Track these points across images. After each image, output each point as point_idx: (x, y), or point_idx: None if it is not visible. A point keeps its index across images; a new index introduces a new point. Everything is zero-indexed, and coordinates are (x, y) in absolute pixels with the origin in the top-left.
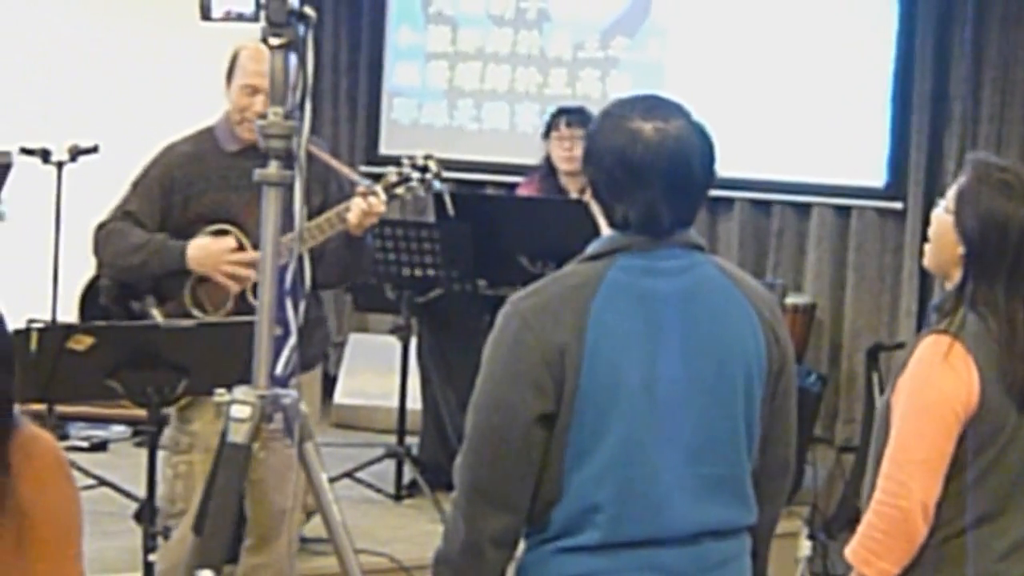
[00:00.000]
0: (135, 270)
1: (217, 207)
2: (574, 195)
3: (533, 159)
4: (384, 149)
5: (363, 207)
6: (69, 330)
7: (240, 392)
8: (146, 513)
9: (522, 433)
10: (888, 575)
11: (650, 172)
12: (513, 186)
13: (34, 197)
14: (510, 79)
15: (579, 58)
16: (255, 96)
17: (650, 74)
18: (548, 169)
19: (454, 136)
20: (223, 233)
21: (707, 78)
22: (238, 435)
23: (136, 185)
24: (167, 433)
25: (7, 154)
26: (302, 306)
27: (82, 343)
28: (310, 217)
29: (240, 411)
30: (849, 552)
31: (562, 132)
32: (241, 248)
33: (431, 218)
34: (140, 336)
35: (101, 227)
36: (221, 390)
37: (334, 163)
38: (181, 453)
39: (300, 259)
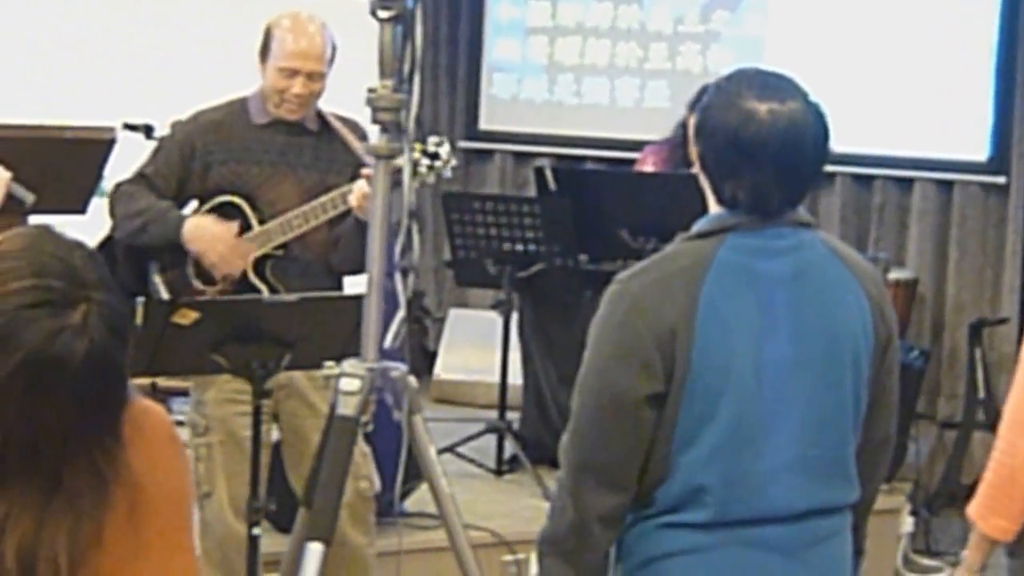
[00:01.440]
0: (134, 235)
1: (235, 178)
2: None
3: (633, 134)
4: (484, 124)
5: (365, 190)
6: (174, 304)
7: (349, 365)
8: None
9: (631, 413)
10: (1002, 530)
11: (761, 155)
12: (614, 161)
13: None
14: (610, 53)
15: (679, 32)
16: (294, 78)
17: (750, 48)
18: (683, 137)
19: (554, 111)
20: (231, 207)
21: (808, 52)
22: (347, 407)
23: (158, 148)
24: (187, 416)
25: (111, 130)
26: (411, 280)
27: (187, 317)
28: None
29: (349, 384)
30: (969, 508)
31: None
32: (247, 228)
33: (532, 193)
34: (244, 310)
35: (116, 187)
36: (330, 363)
37: (353, 142)
38: (200, 436)
39: (409, 233)
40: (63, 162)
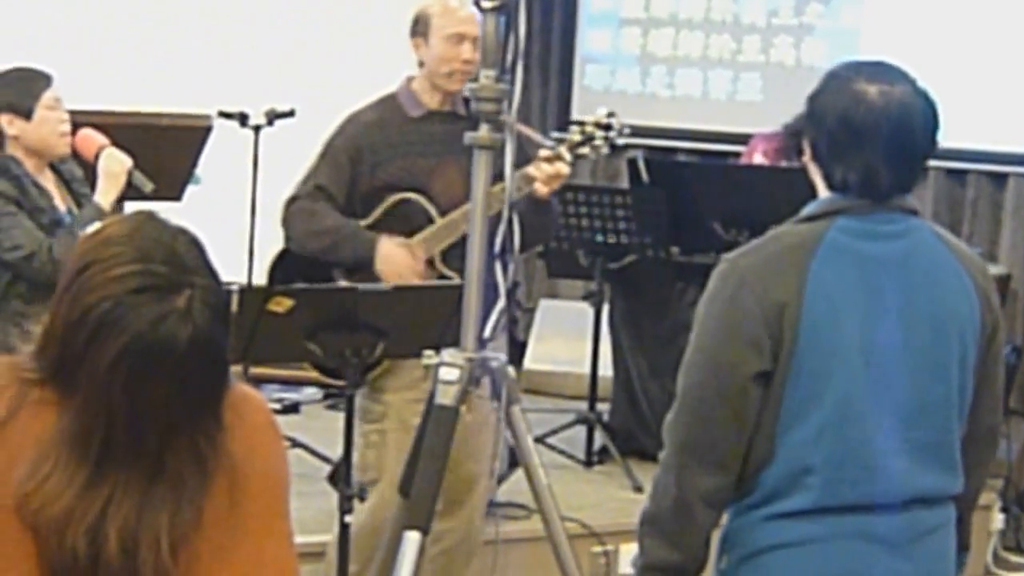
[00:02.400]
0: (322, 253)
1: (404, 174)
2: None
3: (725, 126)
4: (576, 115)
5: (549, 171)
6: (269, 292)
7: (448, 355)
8: (341, 475)
9: (738, 391)
10: None
11: (872, 134)
12: (706, 153)
13: (231, 161)
14: (703, 45)
15: (773, 24)
16: (462, 44)
17: (845, 41)
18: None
19: (646, 103)
20: (407, 204)
21: (903, 45)
22: (446, 397)
23: (323, 156)
24: (359, 402)
25: (207, 118)
26: (511, 269)
27: (282, 305)
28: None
29: (448, 373)
30: None
31: None
32: (430, 220)
33: (625, 184)
34: (339, 299)
35: (292, 201)
36: (429, 352)
37: (520, 126)
38: (373, 422)
39: (510, 222)
40: (159, 149)
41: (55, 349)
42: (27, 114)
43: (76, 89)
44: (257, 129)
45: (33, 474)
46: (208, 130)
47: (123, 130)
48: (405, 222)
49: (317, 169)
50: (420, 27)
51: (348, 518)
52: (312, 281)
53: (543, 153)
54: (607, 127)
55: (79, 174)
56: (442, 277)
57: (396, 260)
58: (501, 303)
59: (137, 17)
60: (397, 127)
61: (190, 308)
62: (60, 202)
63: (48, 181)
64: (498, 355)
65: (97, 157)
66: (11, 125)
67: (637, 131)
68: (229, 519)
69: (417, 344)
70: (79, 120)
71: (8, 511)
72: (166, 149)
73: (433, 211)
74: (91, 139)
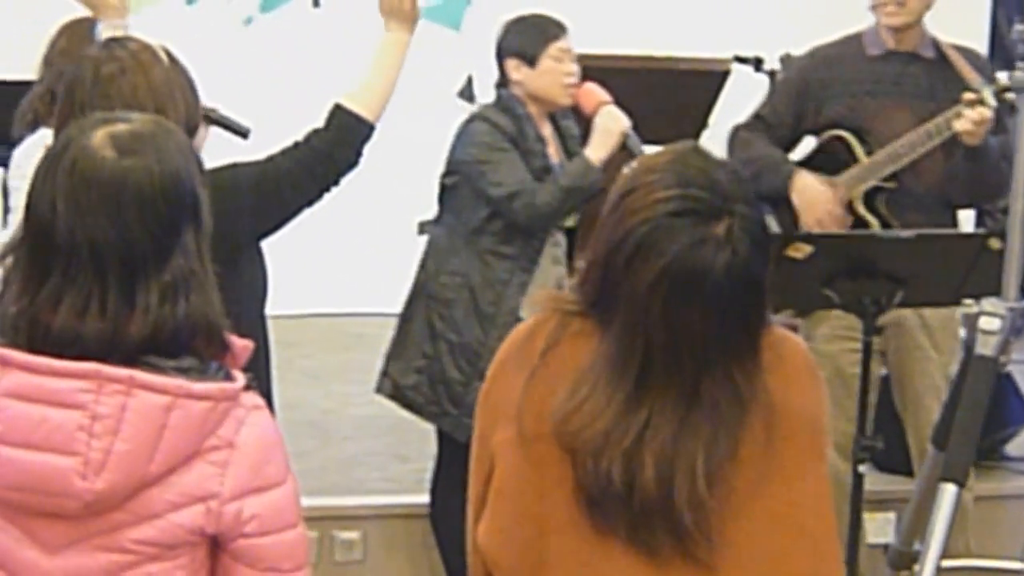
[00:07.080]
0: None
1: (848, 112)
2: None
3: None
4: None
5: (973, 116)
6: (789, 238)
7: (989, 304)
8: None
9: None
10: None
11: None
12: None
13: (747, 105)
14: None
15: None
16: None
17: None
18: None
19: None
20: (838, 141)
21: None
22: (986, 347)
23: (774, 88)
24: None
25: (725, 61)
26: None
27: (801, 251)
28: None
29: (989, 323)
30: None
31: None
32: (855, 160)
33: None
34: (859, 245)
35: (735, 131)
36: (969, 301)
37: (966, 70)
38: None
39: None
40: (676, 93)
41: (597, 273)
42: (532, 61)
43: (592, 33)
44: (772, 75)
45: (571, 397)
46: (726, 75)
47: (639, 75)
48: (832, 160)
49: (765, 100)
50: None
51: (861, 468)
52: None
53: (966, 96)
54: None
55: (575, 132)
56: (860, 220)
57: (811, 194)
58: None
59: None
60: (852, 64)
61: (729, 235)
62: (553, 153)
63: (546, 130)
64: None
65: (595, 112)
66: (516, 71)
67: None
68: (765, 456)
69: (936, 293)
70: (596, 64)
71: (547, 438)
72: (682, 94)
73: (860, 151)
74: (594, 94)
